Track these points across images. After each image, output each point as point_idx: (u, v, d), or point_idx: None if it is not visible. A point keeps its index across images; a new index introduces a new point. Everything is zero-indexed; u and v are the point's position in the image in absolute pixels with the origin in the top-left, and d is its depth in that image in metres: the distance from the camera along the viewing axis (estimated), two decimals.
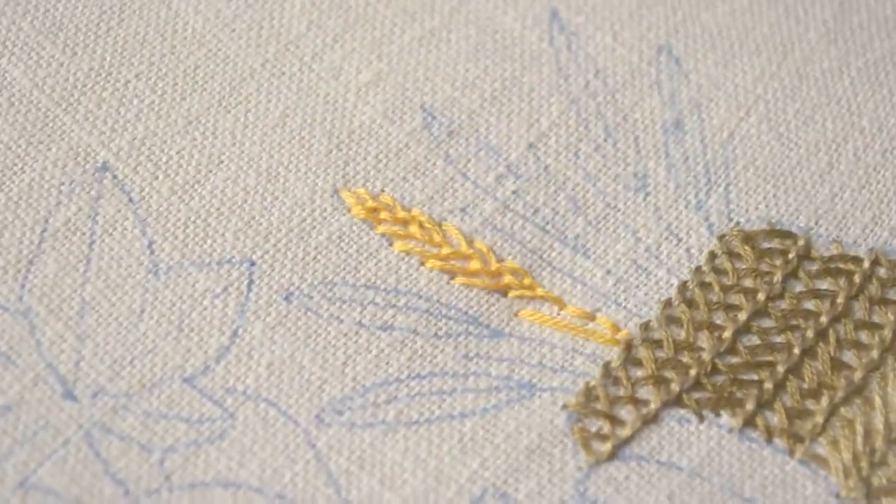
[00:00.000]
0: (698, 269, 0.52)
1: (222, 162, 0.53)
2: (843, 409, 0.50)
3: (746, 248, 0.53)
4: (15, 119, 0.53)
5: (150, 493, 0.48)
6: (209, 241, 0.52)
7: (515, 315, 0.51)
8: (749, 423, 0.50)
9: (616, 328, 0.51)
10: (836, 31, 0.57)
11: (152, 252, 0.51)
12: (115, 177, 0.52)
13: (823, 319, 0.52)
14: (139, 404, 0.49)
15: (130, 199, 0.52)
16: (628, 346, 0.51)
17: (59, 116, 0.53)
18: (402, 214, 0.53)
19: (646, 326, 0.51)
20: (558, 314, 0.52)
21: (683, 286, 0.52)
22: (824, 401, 0.50)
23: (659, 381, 0.50)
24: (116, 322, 0.50)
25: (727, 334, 0.51)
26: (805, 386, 0.51)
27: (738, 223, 0.53)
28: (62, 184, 0.52)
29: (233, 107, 0.54)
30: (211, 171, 0.53)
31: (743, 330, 0.51)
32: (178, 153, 0.53)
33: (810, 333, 0.51)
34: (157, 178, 0.52)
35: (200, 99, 0.54)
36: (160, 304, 0.50)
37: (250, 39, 0.55)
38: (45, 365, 0.49)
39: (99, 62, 0.54)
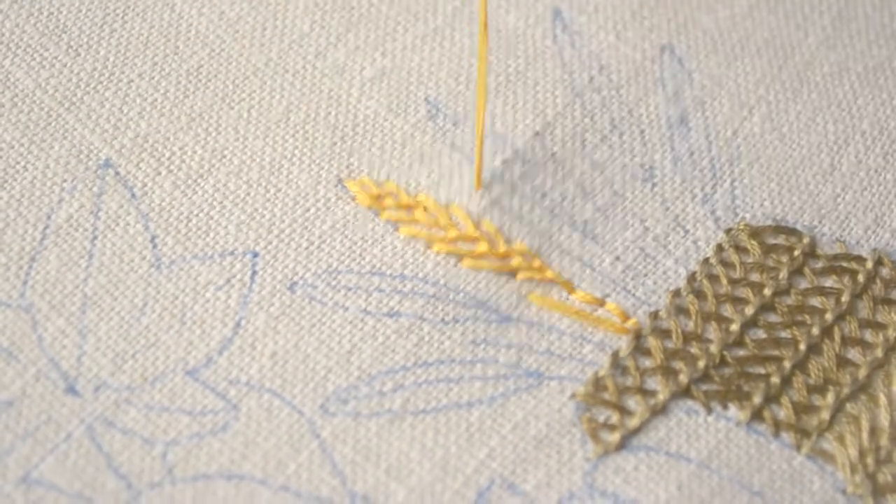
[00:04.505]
0: (706, 260, 0.53)
1: (225, 156, 0.53)
2: (848, 406, 0.50)
3: (753, 242, 0.53)
4: (18, 118, 0.53)
5: (152, 487, 0.47)
6: (212, 234, 0.51)
7: (524, 298, 0.51)
8: (756, 416, 0.50)
9: (625, 315, 0.51)
10: (835, 37, 0.58)
11: (155, 246, 0.51)
12: (117, 173, 0.52)
13: (829, 317, 0.52)
14: (141, 398, 0.49)
15: (133, 195, 0.52)
16: (637, 335, 0.51)
17: (61, 115, 0.53)
18: (406, 200, 0.52)
19: (655, 316, 0.51)
20: (567, 299, 0.51)
21: (692, 277, 0.52)
22: (830, 397, 0.50)
23: (667, 372, 0.50)
24: (118, 316, 0.50)
25: (735, 327, 0.51)
26: (811, 381, 0.51)
27: (743, 218, 0.54)
28: (65, 181, 0.52)
29: (236, 103, 0.54)
30: (213, 166, 0.53)
31: (750, 323, 0.51)
32: (180, 149, 0.53)
33: (816, 330, 0.51)
34: (159, 173, 0.52)
35: (203, 97, 0.54)
36: (162, 298, 0.50)
37: (254, 39, 0.55)
38: (47, 360, 0.49)
39: (102, 63, 0.54)
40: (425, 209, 0.52)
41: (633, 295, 0.52)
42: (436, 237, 0.52)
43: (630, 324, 0.51)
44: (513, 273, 0.51)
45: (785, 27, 0.58)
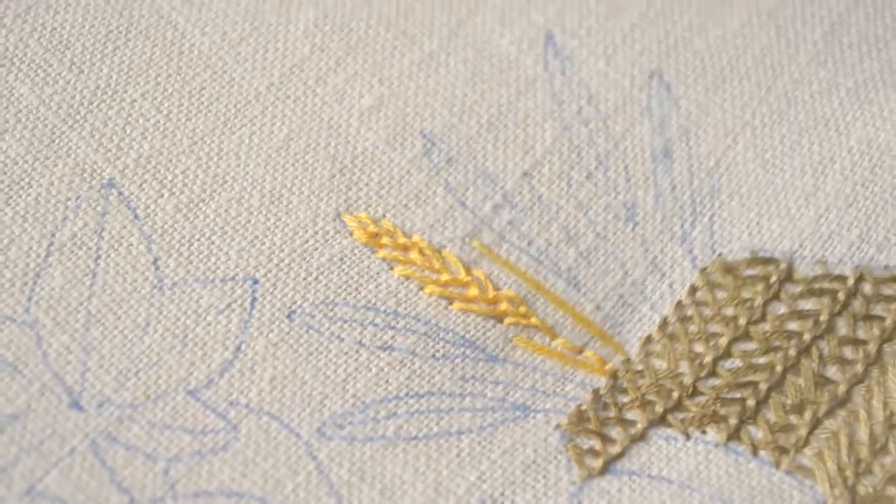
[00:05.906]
0: (679, 303, 0.54)
1: (226, 182, 0.54)
2: (826, 423, 0.51)
3: (728, 277, 0.54)
4: (22, 135, 0.53)
5: (154, 502, 0.49)
6: (213, 259, 0.52)
7: (510, 341, 0.53)
8: (734, 437, 0.51)
9: (603, 362, 0.53)
10: (826, 52, 0.57)
11: (157, 268, 0.52)
12: (120, 193, 0.53)
13: (806, 337, 0.52)
14: (144, 415, 0.50)
15: (136, 216, 0.53)
16: (614, 375, 0.52)
17: (65, 133, 0.54)
18: (402, 240, 0.53)
19: (627, 362, 0.53)
20: (550, 344, 0.53)
21: (664, 322, 0.53)
22: (807, 415, 0.51)
23: (644, 404, 0.52)
24: (122, 335, 0.51)
25: (707, 360, 0.52)
26: (788, 402, 0.51)
27: (721, 254, 0.54)
28: (68, 199, 0.52)
29: (237, 128, 0.55)
30: (215, 191, 0.54)
31: (723, 355, 0.52)
32: (182, 172, 0.54)
33: (793, 352, 0.52)
34: (162, 195, 0.53)
35: (206, 119, 0.55)
36: (165, 319, 0.51)
37: (255, 62, 0.56)
38: (51, 375, 0.50)
39: (105, 81, 0.55)
40: (420, 251, 0.53)
41: (612, 342, 0.53)
42: (429, 279, 0.53)
43: (608, 367, 0.53)
44: (500, 318, 0.53)
45: (776, 44, 0.57)
